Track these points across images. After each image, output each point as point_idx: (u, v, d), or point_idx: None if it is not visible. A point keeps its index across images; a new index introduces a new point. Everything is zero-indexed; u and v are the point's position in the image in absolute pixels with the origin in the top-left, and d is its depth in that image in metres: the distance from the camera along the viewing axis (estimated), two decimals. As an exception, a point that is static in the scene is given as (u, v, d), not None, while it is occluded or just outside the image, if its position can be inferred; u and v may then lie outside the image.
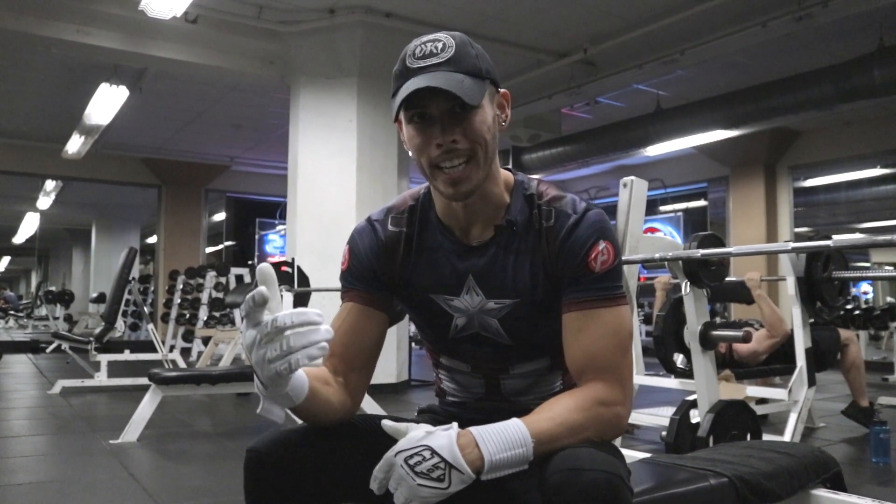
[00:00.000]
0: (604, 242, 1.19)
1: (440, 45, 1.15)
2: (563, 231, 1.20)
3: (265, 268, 1.06)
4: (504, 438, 1.02)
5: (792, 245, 2.37)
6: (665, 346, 3.57)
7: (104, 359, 6.15)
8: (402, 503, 0.98)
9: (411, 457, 0.98)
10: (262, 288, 0.97)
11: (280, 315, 0.97)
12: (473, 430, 1.03)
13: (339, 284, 1.33)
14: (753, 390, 3.81)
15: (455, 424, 1.04)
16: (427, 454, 0.98)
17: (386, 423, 1.06)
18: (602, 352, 1.16)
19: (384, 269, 1.29)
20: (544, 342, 1.26)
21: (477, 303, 1.25)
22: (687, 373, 3.58)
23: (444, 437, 1.00)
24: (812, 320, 3.57)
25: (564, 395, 1.16)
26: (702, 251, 2.72)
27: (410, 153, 1.21)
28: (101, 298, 13.04)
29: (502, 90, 1.25)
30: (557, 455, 1.03)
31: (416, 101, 1.13)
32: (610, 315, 1.18)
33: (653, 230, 10.72)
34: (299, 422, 1.19)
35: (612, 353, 1.16)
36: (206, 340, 8.68)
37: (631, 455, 2.40)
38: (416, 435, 1.01)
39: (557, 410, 1.10)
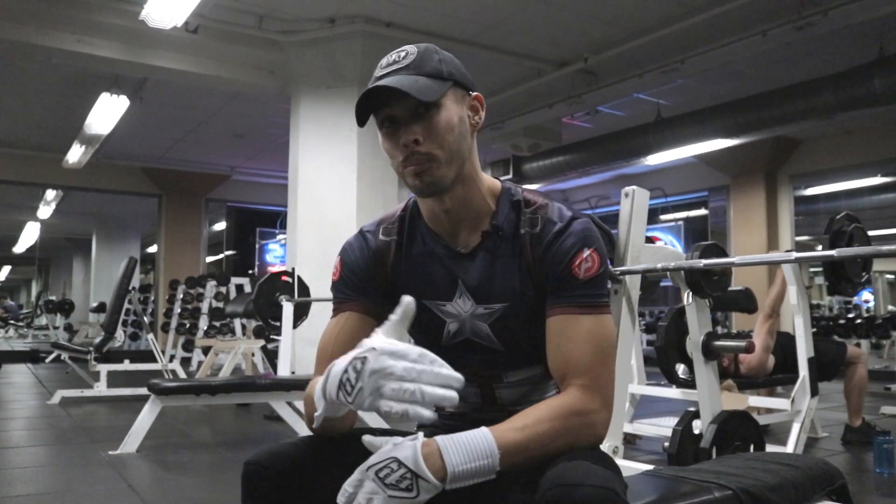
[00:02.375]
0: (588, 250, 1.20)
1: (403, 54, 1.21)
2: (547, 238, 1.22)
3: (410, 305, 1.07)
4: (469, 449, 1.02)
5: (795, 255, 2.36)
6: (667, 356, 3.56)
7: (104, 369, 6.13)
8: None
9: (381, 469, 0.99)
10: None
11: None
12: (439, 439, 1.02)
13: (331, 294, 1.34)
14: (756, 400, 3.79)
15: (420, 434, 1.04)
16: (394, 466, 0.98)
17: (366, 438, 1.06)
18: (581, 358, 1.16)
19: (376, 276, 1.30)
20: (537, 349, 1.26)
21: (468, 308, 1.26)
22: (689, 383, 3.56)
23: (409, 449, 1.00)
24: (815, 330, 3.55)
25: (540, 404, 1.16)
26: (704, 261, 2.71)
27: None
28: (101, 308, 13.03)
29: (475, 93, 1.27)
30: (551, 470, 1.02)
31: (380, 104, 1.19)
32: (592, 322, 1.19)
33: (654, 239, 10.71)
34: (297, 431, 1.19)
35: (591, 359, 1.16)
36: (206, 350, 8.67)
37: (633, 467, 2.38)
38: (385, 449, 1.02)
39: (528, 420, 1.10)
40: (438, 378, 0.97)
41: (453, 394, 0.97)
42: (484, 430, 1.05)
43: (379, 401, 0.96)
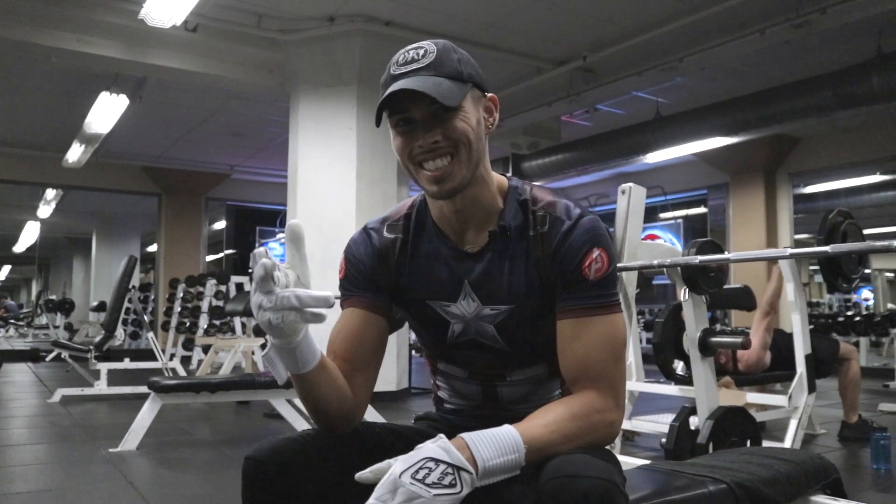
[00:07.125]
0: (598, 250, 1.19)
1: (422, 52, 1.18)
2: (557, 237, 1.20)
3: (295, 226, 1.05)
4: (496, 444, 1.01)
5: (790, 251, 2.38)
6: (664, 352, 3.57)
7: (104, 367, 6.14)
8: None
9: (417, 472, 0.95)
10: (266, 261, 0.98)
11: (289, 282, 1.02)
12: (464, 436, 1.01)
13: (338, 292, 1.33)
14: (753, 397, 3.81)
15: (442, 435, 1.02)
16: (432, 465, 0.96)
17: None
18: (595, 360, 1.16)
19: (380, 274, 1.29)
20: (541, 349, 1.26)
21: (473, 309, 1.26)
22: (686, 379, 3.58)
23: (439, 447, 0.98)
24: (812, 327, 3.57)
25: (559, 402, 1.16)
26: (700, 257, 2.73)
27: (398, 158, 1.23)
28: (101, 307, 13.04)
29: (490, 94, 1.26)
30: (553, 461, 1.03)
31: (398, 105, 1.16)
32: (603, 323, 1.18)
33: (653, 237, 10.72)
34: (297, 429, 1.20)
35: (605, 361, 1.17)
36: (206, 349, 8.68)
37: (630, 462, 2.40)
38: (410, 455, 0.98)
39: (551, 418, 1.10)
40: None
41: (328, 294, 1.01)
42: (508, 427, 1.04)
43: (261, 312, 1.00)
